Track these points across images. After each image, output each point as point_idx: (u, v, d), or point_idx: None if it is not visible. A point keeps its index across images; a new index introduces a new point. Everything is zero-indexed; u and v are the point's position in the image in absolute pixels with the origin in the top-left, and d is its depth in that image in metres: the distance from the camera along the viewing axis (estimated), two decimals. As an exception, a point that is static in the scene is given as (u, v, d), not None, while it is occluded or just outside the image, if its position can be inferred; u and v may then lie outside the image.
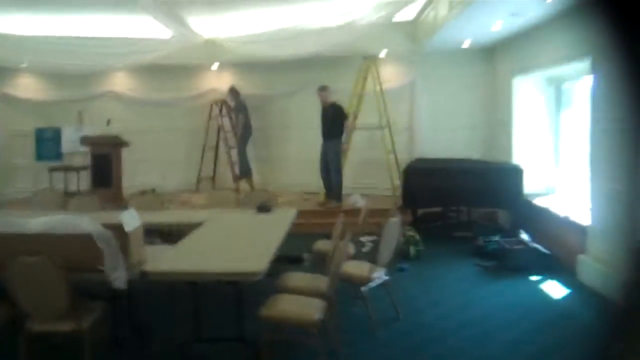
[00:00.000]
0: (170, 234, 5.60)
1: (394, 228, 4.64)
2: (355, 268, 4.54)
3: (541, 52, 7.02)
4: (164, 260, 3.77)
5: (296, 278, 4.38)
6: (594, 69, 5.56)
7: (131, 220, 3.74)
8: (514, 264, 6.14)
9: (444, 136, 9.40)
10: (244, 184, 10.02)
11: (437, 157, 8.46)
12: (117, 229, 3.64)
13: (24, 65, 9.54)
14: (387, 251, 4.57)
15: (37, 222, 3.78)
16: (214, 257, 3.85)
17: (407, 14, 8.42)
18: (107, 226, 3.63)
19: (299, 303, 3.78)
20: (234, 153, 10.21)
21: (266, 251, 3.89)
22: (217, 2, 8.38)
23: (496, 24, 6.88)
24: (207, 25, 9.30)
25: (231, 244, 4.30)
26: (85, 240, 3.54)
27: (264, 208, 5.62)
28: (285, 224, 4.98)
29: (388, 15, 7.38)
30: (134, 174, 9.89)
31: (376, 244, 6.10)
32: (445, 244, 7.32)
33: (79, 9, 8.55)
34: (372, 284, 4.49)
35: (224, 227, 4.99)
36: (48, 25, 8.99)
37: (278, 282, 4.23)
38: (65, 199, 6.62)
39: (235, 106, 10.04)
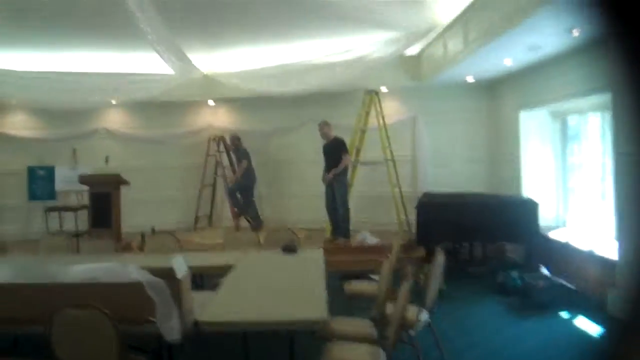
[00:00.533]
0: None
1: (439, 267, 4.51)
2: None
3: (554, 86, 7.04)
4: (214, 308, 3.56)
5: (341, 323, 4.19)
6: (614, 103, 5.58)
7: (180, 266, 3.54)
8: (539, 300, 6.04)
9: (446, 170, 9.43)
10: (243, 221, 9.84)
11: (447, 191, 8.39)
12: (166, 276, 3.44)
13: (14, 102, 9.27)
14: (433, 291, 4.42)
15: (78, 271, 3.55)
16: (267, 305, 3.64)
17: (410, 49, 8.44)
18: (155, 273, 3.43)
19: (359, 352, 3.61)
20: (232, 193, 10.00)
21: (318, 296, 3.72)
22: (219, 38, 8.33)
23: (509, 59, 6.89)
24: (206, 61, 9.21)
25: (276, 289, 4.10)
26: (135, 290, 3.33)
27: (290, 249, 5.43)
28: (319, 265, 4.82)
29: (398, 51, 7.38)
30: (130, 213, 9.61)
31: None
32: (463, 281, 7.18)
33: (78, 47, 8.41)
34: (419, 327, 4.33)
35: (258, 271, 4.79)
36: (43, 61, 8.78)
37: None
38: (74, 242, 6.34)
39: (238, 153, 9.87)
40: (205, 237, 9.15)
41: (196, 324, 3.35)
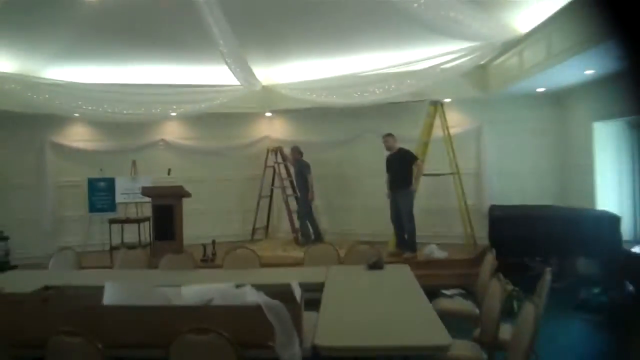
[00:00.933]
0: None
1: (547, 286, 4.32)
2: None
3: (633, 96, 6.77)
4: (326, 331, 3.42)
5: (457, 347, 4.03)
6: None
7: (297, 288, 3.43)
8: (629, 318, 5.78)
9: (512, 181, 9.16)
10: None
11: (517, 204, 8.17)
12: (284, 299, 3.33)
13: (76, 115, 9.34)
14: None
15: (191, 293, 3.48)
16: (382, 328, 3.49)
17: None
18: (273, 295, 3.33)
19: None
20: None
21: (432, 318, 3.57)
22: (284, 50, 8.30)
23: (591, 70, 6.64)
24: (265, 73, 9.18)
25: (383, 309, 3.94)
26: (254, 313, 3.22)
27: (376, 265, 5.30)
28: (413, 283, 4.67)
29: (475, 61, 7.21)
30: (187, 224, 9.52)
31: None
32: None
33: (145, 60, 8.50)
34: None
35: (353, 288, 4.64)
36: (108, 74, 8.86)
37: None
38: (151, 257, 6.27)
39: (300, 167, 9.61)
40: (283, 251, 9.05)
41: (314, 348, 3.23)
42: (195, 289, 3.48)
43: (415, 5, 5.21)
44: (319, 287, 4.60)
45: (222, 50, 6.77)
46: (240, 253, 5.92)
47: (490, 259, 5.30)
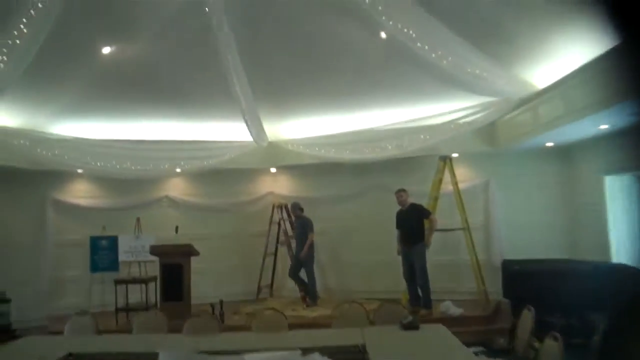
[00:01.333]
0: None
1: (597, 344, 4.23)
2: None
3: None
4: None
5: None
6: None
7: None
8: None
9: (521, 235, 9.10)
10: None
11: (535, 258, 8.12)
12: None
13: (80, 170, 9.19)
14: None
15: (256, 360, 3.31)
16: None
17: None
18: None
19: None
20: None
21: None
22: (296, 107, 8.34)
23: (606, 125, 6.74)
24: (272, 129, 9.19)
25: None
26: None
27: (411, 325, 5.15)
28: (458, 344, 4.55)
29: (491, 116, 7.31)
30: (192, 283, 9.23)
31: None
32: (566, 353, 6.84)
33: (156, 116, 8.46)
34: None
35: (402, 353, 4.48)
36: (116, 130, 8.81)
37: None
38: (170, 320, 6.00)
39: (303, 223, 9.23)
40: (292, 310, 8.78)
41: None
42: (260, 358, 3.32)
43: (445, 62, 5.34)
44: (358, 349, 4.46)
45: (243, 107, 6.78)
46: (267, 314, 5.73)
47: (528, 317, 5.21)
